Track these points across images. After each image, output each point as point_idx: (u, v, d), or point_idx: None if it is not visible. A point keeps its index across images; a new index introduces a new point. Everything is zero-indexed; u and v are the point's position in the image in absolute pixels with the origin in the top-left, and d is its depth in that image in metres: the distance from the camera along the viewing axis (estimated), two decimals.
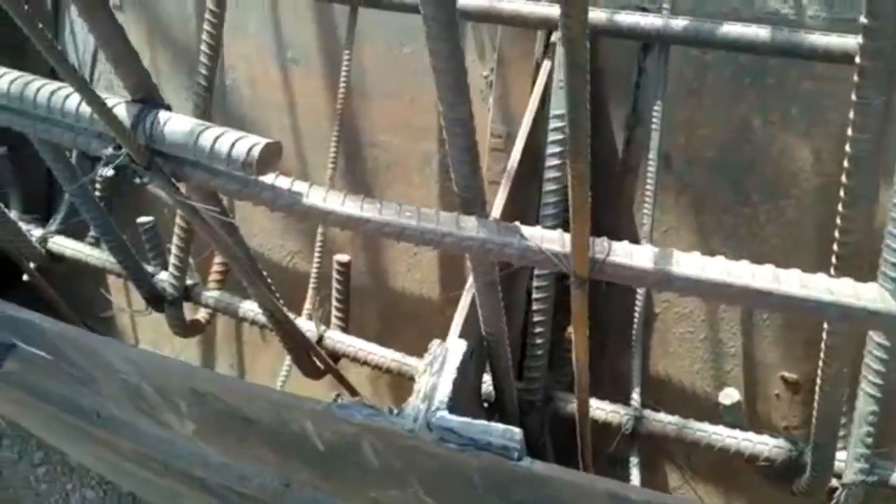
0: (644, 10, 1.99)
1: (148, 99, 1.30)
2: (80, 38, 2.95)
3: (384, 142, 2.51)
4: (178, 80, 2.70)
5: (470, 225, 1.15)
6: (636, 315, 2.04)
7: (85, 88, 1.21)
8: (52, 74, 2.82)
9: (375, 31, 2.35)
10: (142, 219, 2.33)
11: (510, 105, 2.21)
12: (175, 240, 2.23)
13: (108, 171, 1.29)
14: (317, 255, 2.35)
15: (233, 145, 1.18)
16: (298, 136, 2.63)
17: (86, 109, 1.29)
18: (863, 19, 0.89)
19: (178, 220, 2.22)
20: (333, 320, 2.24)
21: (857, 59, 0.91)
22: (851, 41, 1.68)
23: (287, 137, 2.62)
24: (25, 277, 2.56)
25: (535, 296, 1.92)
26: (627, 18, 1.88)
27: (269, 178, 1.25)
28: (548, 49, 2.02)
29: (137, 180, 1.28)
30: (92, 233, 2.60)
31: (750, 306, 1.96)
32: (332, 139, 2.31)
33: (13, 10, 1.08)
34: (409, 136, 2.46)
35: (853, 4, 1.84)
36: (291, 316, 2.03)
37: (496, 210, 1.74)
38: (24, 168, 2.80)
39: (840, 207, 1.02)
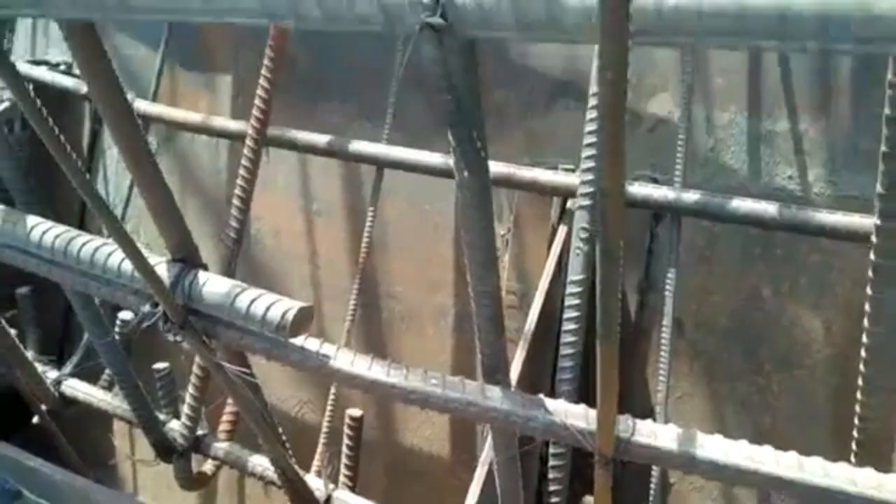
0: (655, 180, 2.10)
1: (188, 258, 1.36)
2: (112, 183, 3.08)
3: (401, 293, 2.57)
4: (205, 228, 2.80)
5: (495, 395, 1.17)
6: (652, 486, 2.01)
7: (129, 246, 1.27)
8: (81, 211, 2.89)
9: (398, 188, 2.47)
10: (157, 365, 2.34)
11: (525, 264, 2.28)
12: (190, 389, 2.24)
13: (143, 326, 1.33)
14: (329, 408, 2.34)
15: (268, 308, 1.23)
16: (317, 286, 2.70)
17: (127, 267, 1.34)
18: (876, 220, 0.95)
19: (195, 369, 2.23)
20: (342, 478, 2.20)
21: (872, 256, 0.96)
22: (857, 220, 1.76)
23: (306, 286, 2.68)
24: (36, 419, 2.55)
25: (551, 463, 1.90)
26: (641, 190, 1.97)
27: (298, 340, 1.29)
28: (563, 215, 2.11)
29: (170, 338, 1.32)
30: (105, 375, 2.61)
31: (772, 491, 1.93)
32: (351, 290, 2.36)
33: (63, 161, 1.15)
34: (425, 289, 2.52)
35: (855, 183, 1.94)
36: (301, 473, 2.01)
37: (514, 370, 1.77)
38: (42, 308, 2.84)
39: (858, 395, 1.05)
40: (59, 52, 2.97)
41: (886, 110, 0.85)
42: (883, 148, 0.90)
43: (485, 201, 1.02)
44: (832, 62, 1.91)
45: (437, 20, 0.69)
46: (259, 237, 2.77)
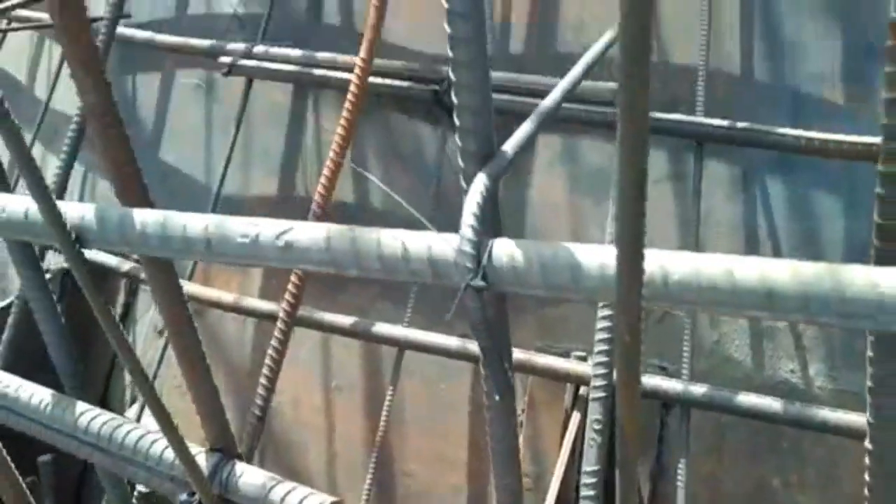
0: (664, 369, 2.21)
1: (225, 449, 1.45)
2: (139, 352, 3.19)
3: (416, 471, 2.61)
4: (226, 400, 2.88)
5: None
6: None
7: (171, 432, 1.36)
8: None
9: (414, 368, 2.57)
10: None
11: (539, 446, 2.34)
12: None
13: None
14: None
15: (301, 501, 1.30)
16: (333, 459, 2.74)
17: (168, 455, 1.43)
18: (867, 445, 1.04)
19: None
20: None
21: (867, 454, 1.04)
22: (857, 418, 1.84)
23: (322, 459, 2.72)
24: None
25: None
26: (650, 381, 2.07)
27: None
28: (576, 401, 2.20)
29: None
30: None
31: None
32: (367, 466, 2.41)
33: (111, 332, 1.25)
34: (440, 468, 2.56)
35: (853, 380, 2.03)
36: None
37: None
38: (59, 475, 2.88)
39: None
40: None
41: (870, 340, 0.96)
42: (869, 353, 1.00)
43: (510, 415, 1.12)
44: None
45: (479, 283, 0.83)
46: (279, 408, 2.84)
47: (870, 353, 0.93)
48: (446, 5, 0.84)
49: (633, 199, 0.72)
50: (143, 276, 2.83)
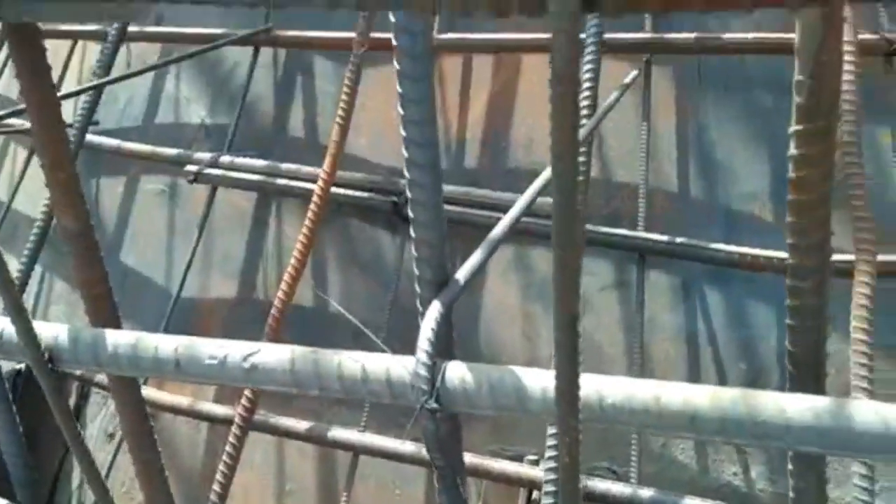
0: (614, 472, 2.26)
1: None
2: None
3: None
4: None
5: None
6: None
7: None
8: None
9: (370, 472, 2.58)
10: None
11: None
12: None
13: None
14: None
15: None
16: None
17: None
18: None
19: None
20: None
21: None
22: None
23: None
24: None
25: None
26: (600, 485, 2.12)
27: None
28: None
29: None
30: None
31: None
32: None
33: (72, 439, 1.27)
34: None
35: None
36: None
37: None
38: None
39: None
40: None
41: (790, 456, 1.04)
42: (789, 467, 1.08)
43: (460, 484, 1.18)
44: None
45: (433, 404, 0.90)
46: None
47: (790, 467, 1.02)
48: (405, 154, 0.95)
49: (569, 333, 0.81)
50: (95, 379, 2.83)
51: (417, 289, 1.04)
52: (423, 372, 0.92)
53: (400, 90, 0.94)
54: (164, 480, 1.47)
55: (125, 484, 2.77)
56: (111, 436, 2.87)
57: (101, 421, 3.01)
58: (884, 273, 1.71)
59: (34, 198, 2.93)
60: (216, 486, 2.23)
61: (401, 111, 0.95)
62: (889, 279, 1.80)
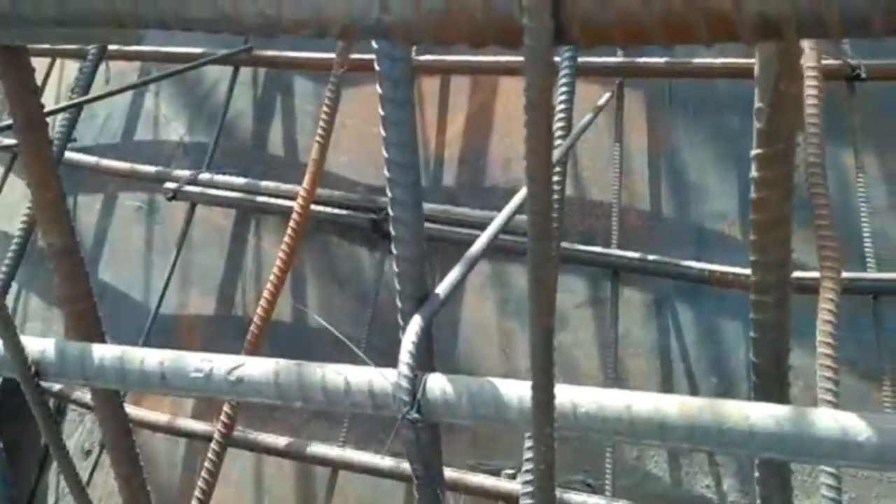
0: (589, 485, 2.30)
1: None
2: None
3: None
4: None
5: None
6: None
7: None
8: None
9: (349, 487, 2.58)
10: None
11: None
12: None
13: None
14: None
15: None
16: None
17: None
18: None
19: None
20: None
21: None
22: None
23: None
24: None
25: None
26: (576, 498, 2.15)
27: None
28: None
29: None
30: None
31: None
32: None
33: (62, 461, 1.28)
34: None
35: None
36: None
37: None
38: None
39: None
40: None
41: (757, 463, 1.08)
42: (756, 474, 1.12)
43: None
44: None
45: (414, 415, 0.94)
46: None
47: (756, 474, 1.07)
48: (387, 175, 0.98)
49: (544, 345, 0.85)
50: (73, 396, 2.82)
51: (399, 303, 1.07)
52: (404, 383, 0.95)
53: (382, 113, 0.98)
54: (146, 495, 1.49)
55: (102, 499, 2.75)
56: (88, 452, 2.86)
57: (79, 437, 2.99)
58: (848, 290, 1.77)
59: (11, 213, 2.93)
60: (195, 502, 2.24)
61: (382, 133, 0.99)
62: (854, 296, 1.86)
